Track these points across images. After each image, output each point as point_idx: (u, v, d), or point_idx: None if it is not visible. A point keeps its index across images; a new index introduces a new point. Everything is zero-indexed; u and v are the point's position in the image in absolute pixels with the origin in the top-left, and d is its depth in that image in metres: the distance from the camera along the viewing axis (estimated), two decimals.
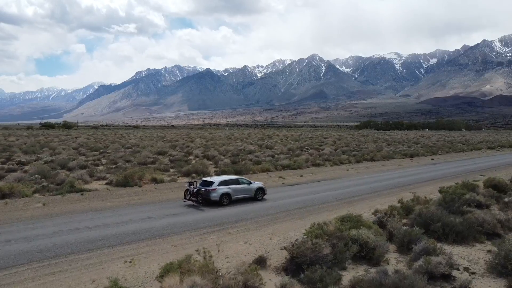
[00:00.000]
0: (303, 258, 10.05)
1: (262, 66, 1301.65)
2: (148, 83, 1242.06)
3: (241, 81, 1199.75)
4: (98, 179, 27.30)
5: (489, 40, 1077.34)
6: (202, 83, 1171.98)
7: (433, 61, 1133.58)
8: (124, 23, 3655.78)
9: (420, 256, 10.48)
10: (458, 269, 10.45)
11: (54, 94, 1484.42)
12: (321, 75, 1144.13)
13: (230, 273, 9.17)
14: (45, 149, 49.26)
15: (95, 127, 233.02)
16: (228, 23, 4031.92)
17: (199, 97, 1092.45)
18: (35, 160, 36.07)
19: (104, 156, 43.26)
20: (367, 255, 11.00)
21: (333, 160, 40.53)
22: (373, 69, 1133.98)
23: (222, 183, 20.78)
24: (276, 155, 45.15)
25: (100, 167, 33.32)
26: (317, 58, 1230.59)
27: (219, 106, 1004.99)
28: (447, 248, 12.74)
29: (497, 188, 21.08)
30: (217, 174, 30.67)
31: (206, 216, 18.03)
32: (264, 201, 21.75)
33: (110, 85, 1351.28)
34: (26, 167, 31.04)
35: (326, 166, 37.91)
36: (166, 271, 9.20)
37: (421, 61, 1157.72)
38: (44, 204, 19.46)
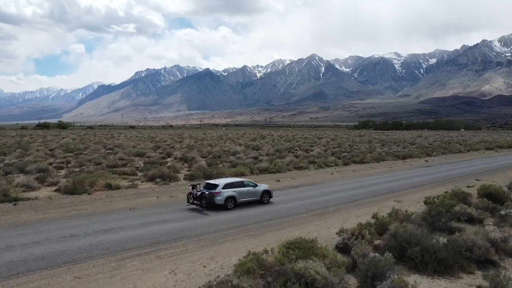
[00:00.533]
0: None
1: (261, 66, 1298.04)
2: (148, 83, 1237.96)
3: (241, 81, 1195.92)
4: (50, 184, 24.56)
5: (488, 40, 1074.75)
6: (201, 83, 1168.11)
7: (433, 61, 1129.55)
8: (124, 23, 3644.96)
9: None
10: None
11: (53, 94, 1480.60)
12: (321, 75, 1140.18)
13: None
14: (19, 150, 46.48)
15: (90, 127, 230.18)
16: (228, 23, 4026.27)
17: (198, 97, 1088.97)
18: None
19: (76, 158, 40.54)
20: None
21: (318, 163, 37.58)
22: (373, 69, 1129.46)
23: (227, 185, 19.67)
24: (259, 157, 42.33)
25: (63, 171, 30.83)
26: (317, 58, 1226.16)
27: (218, 106, 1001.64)
28: (425, 282, 9.92)
29: (492, 197, 18.25)
30: (185, 179, 27.90)
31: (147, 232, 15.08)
32: (231, 211, 18.89)
33: (109, 85, 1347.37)
34: None
35: (309, 170, 34.95)
36: None
37: (421, 61, 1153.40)
38: None
